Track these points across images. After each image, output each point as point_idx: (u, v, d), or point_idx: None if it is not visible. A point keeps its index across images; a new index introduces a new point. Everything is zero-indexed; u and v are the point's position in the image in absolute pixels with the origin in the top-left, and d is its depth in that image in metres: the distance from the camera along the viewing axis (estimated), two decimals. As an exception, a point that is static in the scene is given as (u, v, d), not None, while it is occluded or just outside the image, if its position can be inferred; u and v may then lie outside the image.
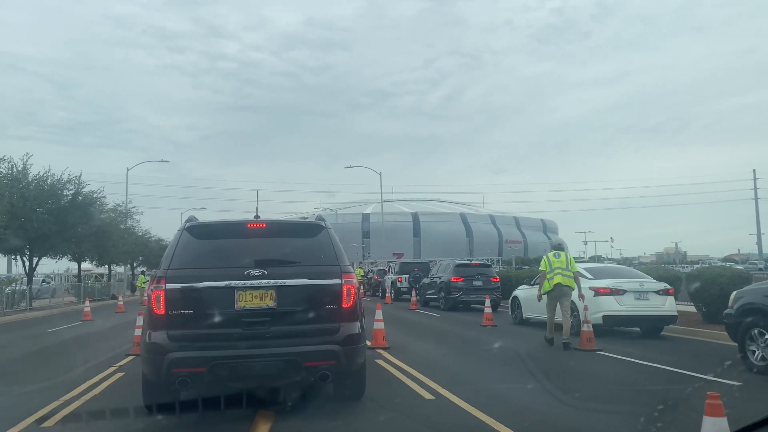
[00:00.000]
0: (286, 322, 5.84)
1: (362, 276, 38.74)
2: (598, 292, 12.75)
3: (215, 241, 6.38)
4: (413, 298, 23.33)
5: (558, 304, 11.37)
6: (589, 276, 13.53)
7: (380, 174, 51.83)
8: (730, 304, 9.03)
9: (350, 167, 50.46)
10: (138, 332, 10.24)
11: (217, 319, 5.72)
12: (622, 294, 12.63)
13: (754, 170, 73.91)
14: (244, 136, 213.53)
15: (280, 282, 5.87)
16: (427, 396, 6.87)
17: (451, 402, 6.51)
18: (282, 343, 5.73)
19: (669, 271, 18.11)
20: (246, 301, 5.80)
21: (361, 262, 70.88)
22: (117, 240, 36.16)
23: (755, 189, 76.58)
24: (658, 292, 12.78)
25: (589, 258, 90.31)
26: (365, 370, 6.58)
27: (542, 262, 11.94)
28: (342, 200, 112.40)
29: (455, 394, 6.79)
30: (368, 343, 10.00)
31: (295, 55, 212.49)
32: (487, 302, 15.82)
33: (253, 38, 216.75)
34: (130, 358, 10.14)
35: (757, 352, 8.17)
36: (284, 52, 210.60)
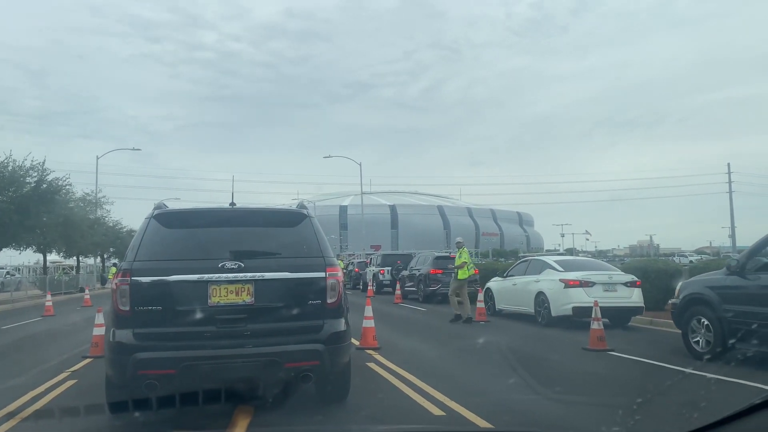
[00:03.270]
0: (264, 319, 5.35)
1: (344, 268, 38.09)
2: (567, 284, 12.81)
3: (186, 230, 5.83)
4: (397, 292, 22.71)
5: (463, 288, 14.45)
6: (560, 268, 13.59)
7: (360, 164, 51.17)
8: (675, 294, 9.38)
9: (329, 157, 49.67)
10: (97, 331, 9.47)
11: (188, 316, 5.20)
12: (591, 286, 12.70)
13: (728, 164, 74.34)
14: (221, 126, 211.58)
15: (258, 275, 5.36)
16: (436, 411, 5.81)
17: (465, 418, 5.53)
18: (260, 342, 5.24)
19: (669, 263, 18.00)
20: (220, 297, 5.29)
21: (339, 255, 70.43)
22: (86, 230, 35.07)
23: (729, 182, 77.29)
24: (626, 284, 12.90)
25: (564, 250, 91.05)
26: (350, 370, 6.10)
27: (465, 255, 14.70)
28: (320, 191, 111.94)
29: (468, 408, 5.77)
30: (356, 342, 9.55)
31: (275, 45, 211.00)
32: (480, 296, 15.26)
33: (232, 28, 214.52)
34: (87, 361, 9.02)
35: (699, 340, 8.63)
36: (263, 42, 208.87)
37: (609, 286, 12.80)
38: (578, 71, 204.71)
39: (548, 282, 13.36)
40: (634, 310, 12.89)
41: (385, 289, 28.22)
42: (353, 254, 67.78)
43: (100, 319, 9.62)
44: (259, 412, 5.43)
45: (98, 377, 6.12)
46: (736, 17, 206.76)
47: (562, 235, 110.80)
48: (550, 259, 14.77)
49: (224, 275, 5.28)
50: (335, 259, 5.88)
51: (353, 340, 8.16)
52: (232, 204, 6.45)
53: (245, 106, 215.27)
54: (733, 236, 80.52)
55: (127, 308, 5.16)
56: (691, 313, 8.85)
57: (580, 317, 12.73)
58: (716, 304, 8.37)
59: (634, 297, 12.83)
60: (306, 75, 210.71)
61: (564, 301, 12.74)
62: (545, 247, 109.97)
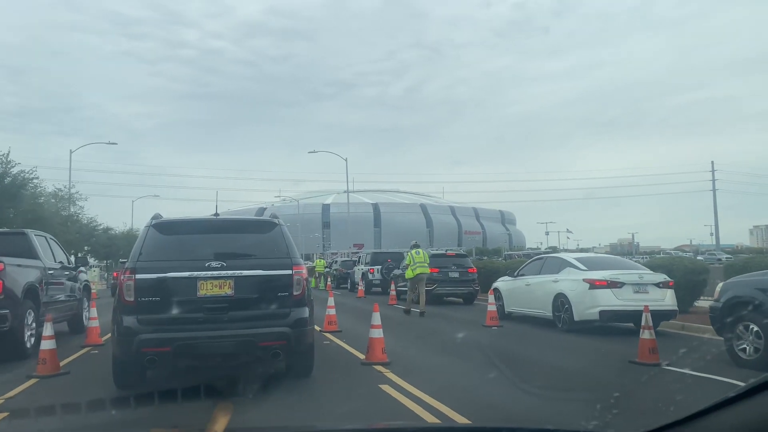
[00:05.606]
0: (242, 307, 6.49)
1: (324, 268, 36.25)
2: (593, 284, 11.44)
3: (179, 236, 6.99)
4: (392, 292, 21.01)
5: (418, 286, 15.84)
6: (582, 267, 12.23)
7: (346, 160, 49.52)
8: (715, 296, 8.73)
9: (314, 152, 48.25)
10: (47, 345, 7.71)
11: (181, 305, 6.35)
12: (620, 287, 11.33)
13: (712, 162, 74.53)
14: (203, 124, 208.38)
15: (237, 273, 6.49)
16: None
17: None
18: (239, 325, 6.37)
19: (696, 262, 16.50)
20: (207, 290, 6.41)
21: (321, 253, 68.76)
22: (57, 227, 32.95)
23: (713, 181, 77.55)
24: (658, 285, 11.56)
25: (546, 249, 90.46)
26: (313, 350, 7.20)
27: (407, 257, 16.40)
28: (303, 189, 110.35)
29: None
30: (360, 355, 8.57)
31: (257, 43, 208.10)
32: (491, 298, 13.72)
33: (214, 26, 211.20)
34: (31, 382, 7.26)
35: (746, 347, 7.94)
36: (245, 40, 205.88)
37: (640, 287, 11.41)
38: (559, 72, 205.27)
39: (569, 282, 11.98)
40: (667, 314, 11.47)
41: (374, 288, 26.74)
42: (337, 253, 66.34)
43: (49, 330, 7.89)
44: (238, 409, 5.54)
45: (50, 402, 5.88)
46: (715, 19, 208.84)
47: (547, 233, 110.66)
48: (570, 257, 13.35)
49: (210, 273, 6.44)
50: (301, 259, 7.05)
51: (360, 354, 8.62)
52: (216, 214, 8.29)
53: (227, 104, 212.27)
54: (716, 234, 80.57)
55: (132, 299, 6.30)
56: (736, 318, 8.09)
57: (606, 322, 11.50)
58: None
59: (667, 299, 11.45)
60: (288, 73, 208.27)
61: (589, 304, 11.37)
62: (527, 246, 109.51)
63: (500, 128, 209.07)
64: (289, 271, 6.64)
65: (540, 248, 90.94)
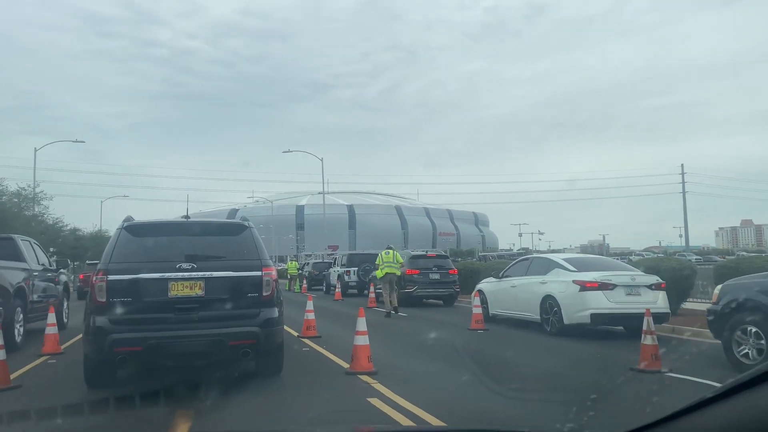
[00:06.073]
0: (213, 307, 6.59)
1: (297, 270, 35.41)
2: (584, 286, 10.97)
3: (150, 239, 7.09)
4: (371, 295, 20.35)
5: (388, 285, 16.22)
6: (572, 268, 11.73)
7: (322, 160, 48.78)
8: (714, 299, 8.49)
9: (289, 151, 47.37)
10: None
11: (152, 305, 6.45)
12: (611, 289, 10.87)
13: (682, 165, 75.71)
14: (176, 124, 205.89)
15: (207, 274, 6.59)
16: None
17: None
18: (210, 325, 6.48)
19: (684, 263, 15.68)
20: (178, 290, 6.50)
21: (295, 255, 67.89)
22: (19, 228, 31.67)
23: (683, 183, 79.00)
24: (650, 287, 11.15)
25: (518, 250, 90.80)
26: (283, 349, 7.37)
27: (377, 258, 17.01)
28: (277, 190, 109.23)
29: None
30: (344, 364, 7.99)
31: (231, 43, 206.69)
32: (476, 300, 13.18)
33: (187, 25, 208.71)
34: None
35: (748, 351, 7.71)
36: (219, 40, 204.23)
37: (632, 288, 10.95)
38: (532, 76, 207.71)
39: (558, 284, 11.51)
40: (659, 318, 10.84)
41: (350, 290, 26.08)
42: (311, 254, 65.46)
43: None
44: (198, 416, 5.42)
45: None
46: (683, 26, 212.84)
47: (520, 235, 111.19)
48: (558, 257, 12.89)
49: (180, 274, 6.52)
50: (270, 261, 7.16)
51: (343, 362, 8.18)
52: (186, 217, 8.67)
53: (201, 105, 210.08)
54: (686, 235, 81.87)
55: (104, 300, 6.36)
56: (736, 321, 7.81)
57: (597, 325, 11.08)
58: None
59: (660, 302, 11.00)
60: (263, 74, 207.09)
61: (580, 307, 10.90)
62: (500, 247, 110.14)
63: (474, 131, 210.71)
64: (258, 273, 6.78)
65: (513, 249, 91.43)
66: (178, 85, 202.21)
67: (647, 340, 7.72)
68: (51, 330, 9.87)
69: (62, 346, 9.94)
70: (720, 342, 8.46)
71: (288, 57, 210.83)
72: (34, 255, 12.67)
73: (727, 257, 75.34)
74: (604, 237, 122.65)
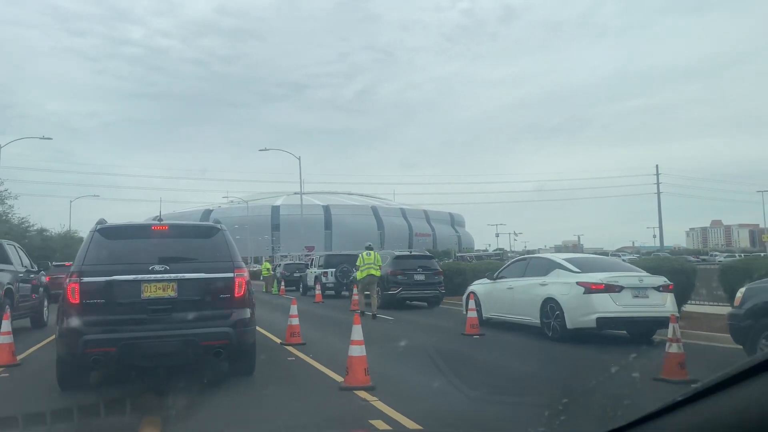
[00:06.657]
0: (185, 308, 6.64)
1: (268, 271, 34.21)
2: (589, 288, 10.26)
3: (123, 241, 7.15)
4: (355, 297, 19.49)
5: (369, 288, 15.99)
6: (574, 269, 11.03)
7: (299, 158, 47.58)
8: (736, 303, 8.06)
9: (265, 150, 46.13)
10: None
11: (125, 307, 6.51)
12: (618, 291, 10.17)
13: (657, 166, 76.33)
14: (149, 124, 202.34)
15: (180, 276, 6.66)
16: None
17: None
18: (182, 326, 6.55)
19: (685, 264, 15.35)
20: (151, 292, 6.58)
21: (270, 256, 66.60)
22: (-19, 228, 30.27)
23: (658, 184, 79.67)
24: (657, 289, 10.47)
25: (500, 249, 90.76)
26: (255, 350, 7.35)
27: (358, 259, 16.58)
28: (252, 190, 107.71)
29: None
30: (337, 378, 7.20)
31: (206, 42, 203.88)
32: (471, 303, 12.44)
33: (161, 24, 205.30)
34: None
35: None
36: (194, 39, 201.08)
37: (639, 290, 10.26)
38: (507, 77, 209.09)
39: (560, 286, 10.79)
40: (667, 321, 10.31)
41: (328, 292, 25.26)
42: (286, 255, 64.26)
43: None
44: (166, 423, 5.28)
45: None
46: (655, 29, 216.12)
47: (497, 235, 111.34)
48: (559, 257, 12.12)
49: (153, 276, 6.58)
50: (242, 263, 7.24)
51: (334, 374, 7.50)
52: (159, 219, 8.96)
53: (174, 104, 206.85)
54: (660, 236, 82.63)
55: (77, 301, 6.43)
56: (762, 327, 7.40)
57: (602, 329, 10.41)
58: None
59: (668, 304, 10.34)
60: (238, 73, 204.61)
61: (584, 310, 10.19)
62: (476, 247, 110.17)
63: (450, 132, 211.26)
64: (230, 275, 6.86)
65: (488, 250, 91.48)
66: (152, 84, 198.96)
67: (673, 348, 7.03)
68: (5, 339, 8.77)
69: (19, 357, 8.93)
70: (741, 347, 8.00)
71: (263, 56, 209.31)
72: (19, 258, 13.66)
73: (701, 257, 76.32)
74: (579, 237, 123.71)
